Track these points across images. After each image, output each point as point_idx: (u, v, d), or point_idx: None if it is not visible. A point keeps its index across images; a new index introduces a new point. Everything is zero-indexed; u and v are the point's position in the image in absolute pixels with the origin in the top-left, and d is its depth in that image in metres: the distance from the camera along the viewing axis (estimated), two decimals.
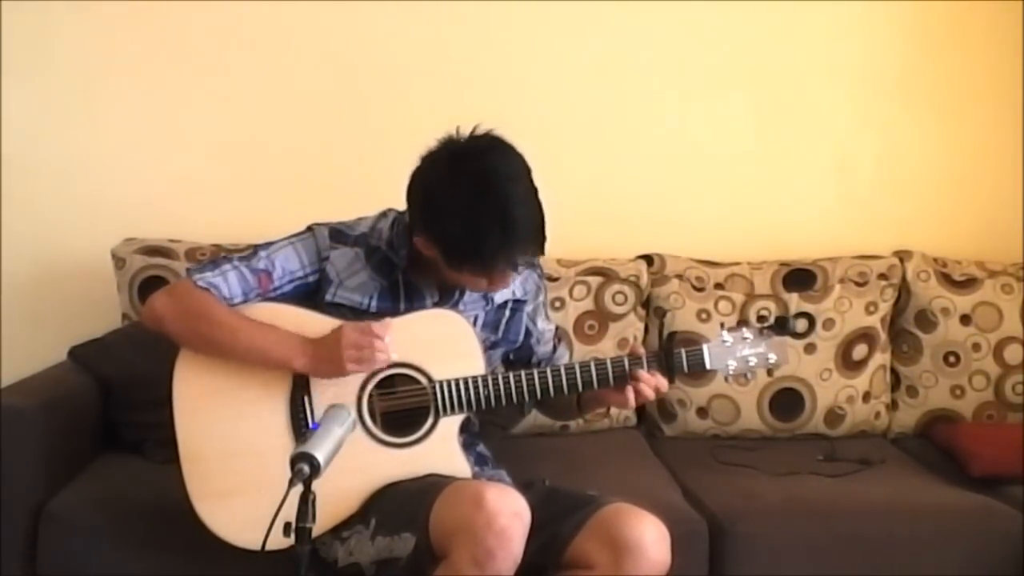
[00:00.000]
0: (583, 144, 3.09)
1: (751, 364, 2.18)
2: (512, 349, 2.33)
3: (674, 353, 2.15)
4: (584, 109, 3.17)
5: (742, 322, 2.87)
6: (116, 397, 2.70)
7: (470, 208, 2.00)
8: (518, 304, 2.32)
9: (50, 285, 3.07)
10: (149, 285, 2.78)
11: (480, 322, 2.25)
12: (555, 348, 2.40)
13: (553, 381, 2.14)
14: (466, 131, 2.06)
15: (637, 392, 2.11)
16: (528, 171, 2.06)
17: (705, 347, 2.17)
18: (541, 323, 2.37)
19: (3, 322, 3.05)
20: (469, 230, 2.00)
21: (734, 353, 2.18)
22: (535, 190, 2.05)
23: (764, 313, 2.97)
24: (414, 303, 2.20)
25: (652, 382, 2.12)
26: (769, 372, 2.23)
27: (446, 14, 3.11)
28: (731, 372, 2.18)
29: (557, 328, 2.44)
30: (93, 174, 3.09)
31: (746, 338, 2.18)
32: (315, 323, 2.12)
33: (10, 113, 3.03)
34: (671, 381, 2.16)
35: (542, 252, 2.09)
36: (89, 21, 3.05)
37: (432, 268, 2.17)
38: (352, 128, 3.12)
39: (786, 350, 2.22)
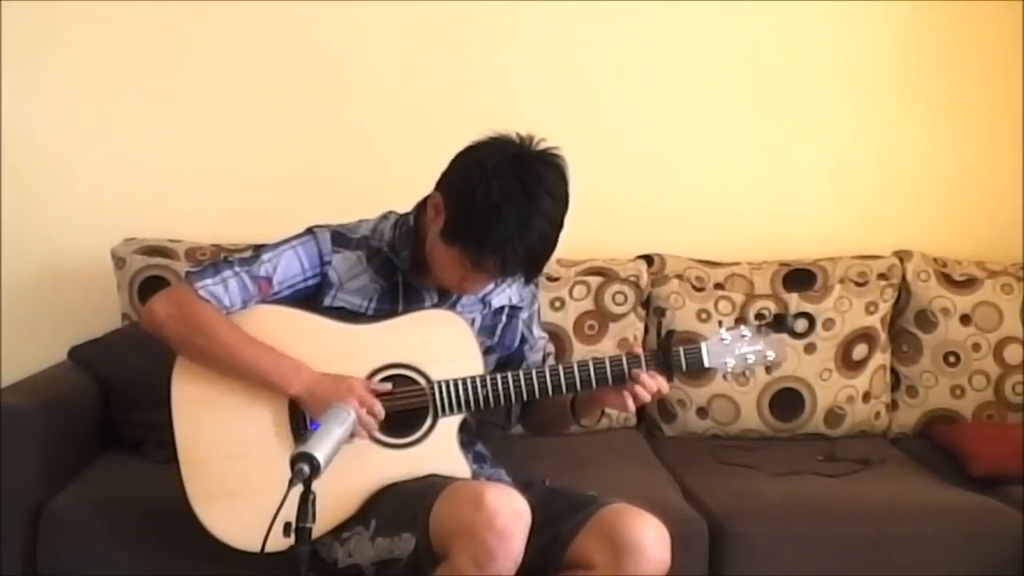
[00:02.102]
0: (583, 144, 3.04)
1: (749, 362, 2.18)
2: (505, 355, 2.33)
3: (672, 351, 2.15)
4: (584, 109, 3.17)
5: (740, 320, 2.88)
6: (116, 397, 2.69)
7: (506, 192, 2.01)
8: (514, 310, 2.33)
9: (50, 285, 3.07)
10: (149, 285, 2.78)
11: (477, 326, 2.25)
12: (544, 360, 2.39)
13: (551, 380, 2.14)
14: (541, 142, 2.08)
15: (634, 395, 2.11)
16: (567, 206, 2.08)
17: (703, 345, 2.17)
18: (536, 330, 2.38)
19: (3, 322, 3.05)
20: (491, 208, 2.00)
21: (732, 351, 2.17)
22: (561, 224, 2.07)
23: (764, 312, 2.97)
24: (412, 305, 2.20)
25: (652, 385, 2.11)
26: (768, 370, 2.23)
27: (446, 16, 3.12)
28: (729, 370, 2.18)
29: (548, 339, 2.44)
30: (93, 174, 3.10)
31: (744, 336, 2.18)
32: (311, 326, 2.13)
33: (10, 113, 3.04)
34: (670, 380, 2.16)
35: (530, 278, 2.14)
36: (89, 21, 3.05)
37: (427, 262, 2.17)
38: (352, 129, 3.12)
39: (785, 347, 2.21)
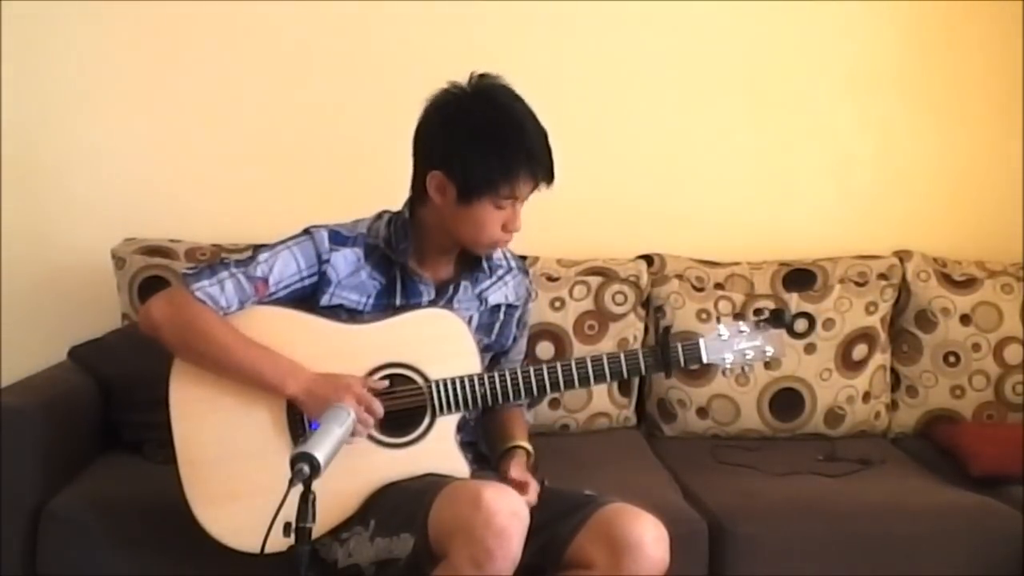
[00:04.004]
0: (583, 144, 3.08)
1: (748, 357, 2.18)
2: (499, 352, 2.34)
3: (670, 347, 2.15)
4: (584, 109, 3.17)
5: (739, 315, 2.88)
6: (116, 397, 2.69)
7: (488, 124, 2.09)
8: (511, 309, 2.33)
9: (50, 285, 3.07)
10: (149, 285, 2.78)
11: (475, 323, 2.25)
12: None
13: (549, 378, 2.14)
14: (468, 77, 2.16)
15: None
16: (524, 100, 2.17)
17: (701, 340, 2.17)
18: (520, 334, 2.38)
19: (3, 322, 3.05)
20: (490, 143, 2.07)
21: (731, 346, 2.17)
22: (535, 114, 2.15)
23: (763, 308, 2.96)
24: (410, 300, 2.21)
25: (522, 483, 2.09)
26: (767, 365, 2.23)
27: (445, 14, 3.12)
28: (728, 366, 2.18)
29: (527, 351, 2.46)
30: (93, 174, 3.10)
31: (743, 331, 2.18)
32: (309, 326, 2.13)
33: (10, 113, 3.04)
34: (668, 376, 2.17)
35: (553, 174, 2.13)
36: (89, 21, 3.06)
37: (433, 250, 2.20)
38: (351, 128, 3.12)
39: (783, 343, 2.22)
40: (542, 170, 2.11)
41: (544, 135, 2.13)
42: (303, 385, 2.08)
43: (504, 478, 2.10)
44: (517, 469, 2.14)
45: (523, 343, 2.41)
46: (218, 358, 2.09)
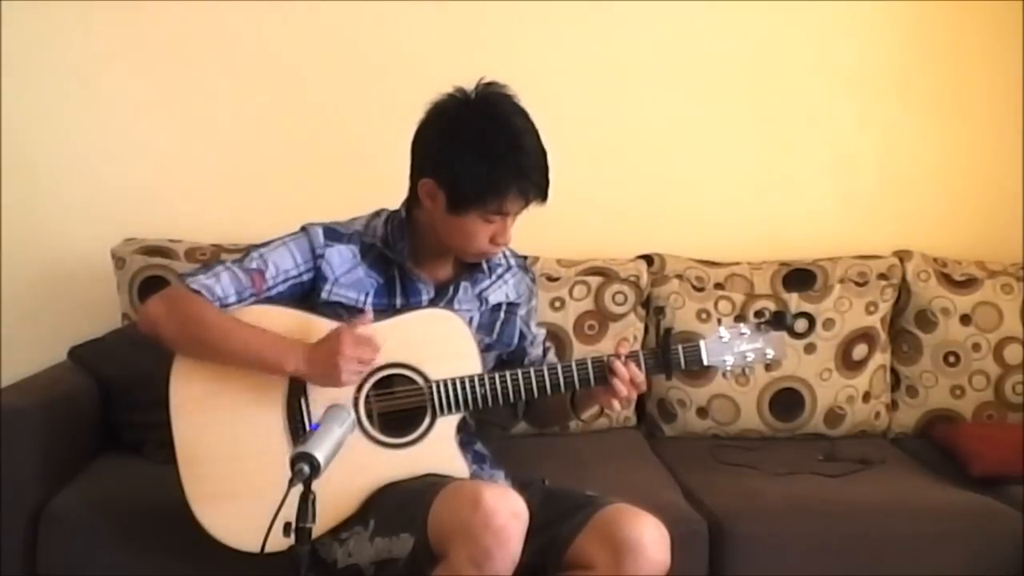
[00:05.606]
0: (583, 144, 3.09)
1: (748, 360, 2.18)
2: (506, 352, 2.34)
3: (671, 349, 2.15)
4: (584, 109, 3.17)
5: (739, 317, 2.88)
6: (116, 397, 2.69)
7: (483, 137, 2.07)
8: (512, 307, 2.33)
9: (50, 285, 3.07)
10: (149, 285, 2.78)
11: (475, 323, 2.25)
12: (545, 352, 2.40)
13: (550, 379, 2.14)
14: (472, 86, 2.13)
15: (614, 392, 2.11)
16: (528, 115, 2.13)
17: (702, 343, 2.17)
18: (534, 327, 2.39)
19: (3, 322, 3.05)
20: (482, 157, 2.05)
21: (731, 349, 2.17)
22: (537, 130, 2.12)
23: (763, 311, 2.96)
24: (410, 299, 2.21)
25: (626, 375, 2.10)
26: (767, 367, 2.23)
27: (444, 14, 3.12)
28: (728, 368, 2.18)
29: (547, 334, 2.46)
30: (93, 174, 3.10)
31: (743, 333, 2.18)
32: (310, 325, 2.12)
33: (10, 113, 3.04)
34: (668, 378, 2.17)
35: (546, 193, 2.11)
36: (89, 21, 3.05)
37: (430, 252, 2.20)
38: (351, 128, 3.12)
39: (784, 345, 2.22)
40: (534, 189, 2.09)
41: (542, 153, 2.10)
42: (302, 357, 2.06)
43: (615, 359, 2.10)
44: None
45: (539, 330, 2.40)
46: (216, 343, 2.09)
